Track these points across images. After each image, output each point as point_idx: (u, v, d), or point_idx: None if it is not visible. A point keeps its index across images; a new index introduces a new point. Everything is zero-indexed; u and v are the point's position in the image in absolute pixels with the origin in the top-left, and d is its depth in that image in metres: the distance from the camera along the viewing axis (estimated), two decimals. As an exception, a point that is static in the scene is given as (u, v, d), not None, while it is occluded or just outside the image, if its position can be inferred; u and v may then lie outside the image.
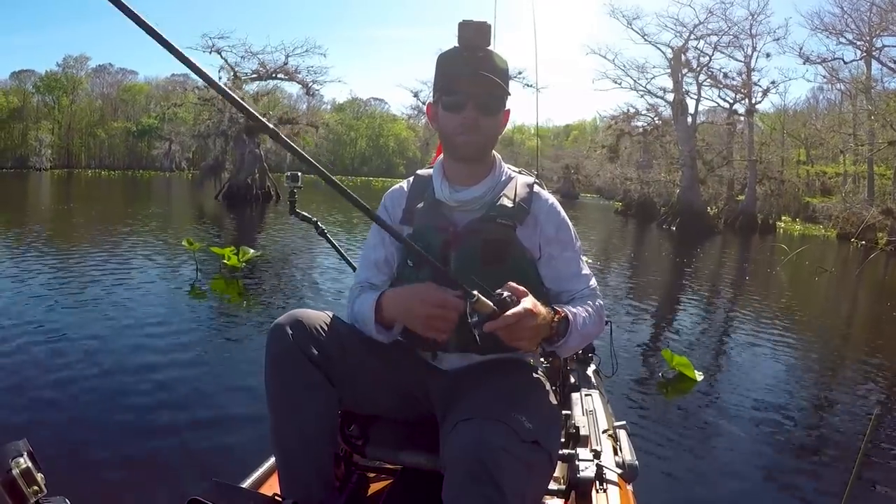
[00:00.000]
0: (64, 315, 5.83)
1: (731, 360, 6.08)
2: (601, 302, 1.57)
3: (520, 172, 1.69)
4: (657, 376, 5.04)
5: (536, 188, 1.63)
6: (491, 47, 1.52)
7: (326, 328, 1.49)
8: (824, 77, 32.44)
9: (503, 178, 1.61)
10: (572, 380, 2.22)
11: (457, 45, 1.51)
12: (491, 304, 1.26)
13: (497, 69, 1.50)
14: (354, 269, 1.80)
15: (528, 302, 1.30)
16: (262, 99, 31.28)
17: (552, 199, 1.64)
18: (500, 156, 1.65)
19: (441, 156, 1.66)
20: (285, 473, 1.48)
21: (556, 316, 1.41)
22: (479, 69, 1.47)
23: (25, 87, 69.77)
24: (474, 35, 1.49)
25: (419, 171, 1.72)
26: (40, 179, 43.67)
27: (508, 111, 1.57)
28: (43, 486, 0.97)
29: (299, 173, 2.45)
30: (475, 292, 1.24)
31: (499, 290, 1.29)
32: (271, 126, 1.04)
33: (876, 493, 3.32)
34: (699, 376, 4.93)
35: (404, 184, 1.72)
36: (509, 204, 1.56)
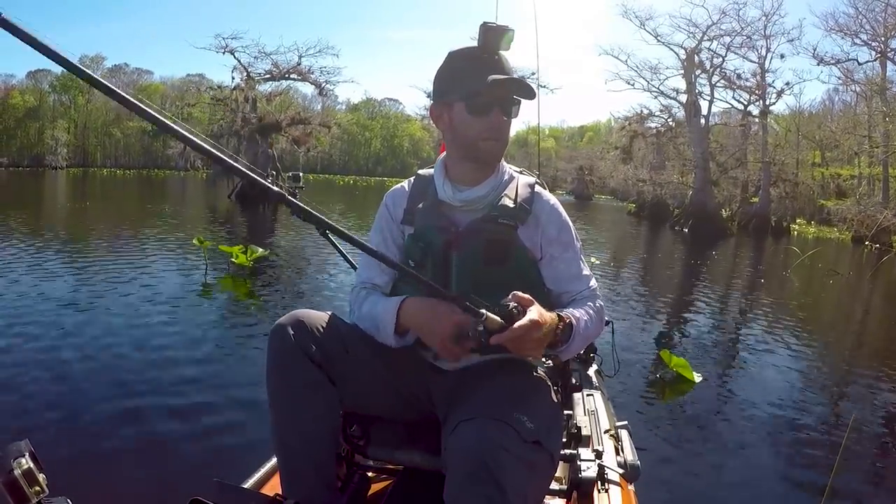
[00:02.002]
0: (70, 313, 5.85)
1: (737, 361, 6.02)
2: (601, 303, 1.57)
3: (521, 172, 1.68)
4: (658, 377, 5.02)
5: (538, 188, 1.62)
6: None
7: (328, 328, 1.49)
8: (839, 78, 32.18)
9: (505, 177, 1.60)
10: (574, 380, 2.21)
11: (475, 46, 1.50)
12: (499, 319, 1.26)
13: (512, 73, 1.50)
14: (356, 268, 1.80)
15: (535, 312, 1.29)
16: (276, 99, 31.43)
17: (553, 199, 1.63)
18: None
19: (442, 155, 1.64)
20: (287, 473, 1.48)
21: (561, 323, 1.40)
22: (506, 73, 1.47)
23: (42, 87, 70.58)
24: (498, 39, 1.48)
25: (420, 171, 1.72)
26: (56, 178, 44.07)
27: None
28: (45, 487, 0.97)
29: (300, 173, 2.46)
30: (483, 311, 1.25)
31: (504, 301, 1.29)
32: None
33: (856, 489, 3.38)
34: (697, 378, 4.91)
35: (405, 183, 1.72)
36: (511, 204, 1.55)
